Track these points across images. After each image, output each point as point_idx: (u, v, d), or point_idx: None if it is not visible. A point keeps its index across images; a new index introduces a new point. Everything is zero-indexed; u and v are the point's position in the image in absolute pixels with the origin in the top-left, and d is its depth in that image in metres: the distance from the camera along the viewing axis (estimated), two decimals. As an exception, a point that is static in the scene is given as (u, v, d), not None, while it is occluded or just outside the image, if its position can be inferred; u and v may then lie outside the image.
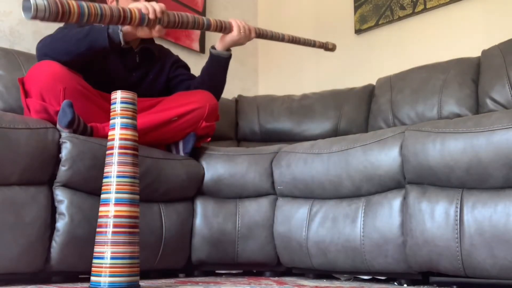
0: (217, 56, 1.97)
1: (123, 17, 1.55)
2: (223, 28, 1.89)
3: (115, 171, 1.28)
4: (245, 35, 1.93)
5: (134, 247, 1.28)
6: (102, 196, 1.29)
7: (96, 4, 1.49)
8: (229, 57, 1.99)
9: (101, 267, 1.23)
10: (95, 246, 1.27)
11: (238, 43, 1.95)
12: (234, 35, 1.91)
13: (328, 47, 2.34)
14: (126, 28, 1.64)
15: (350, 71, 2.84)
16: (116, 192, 1.27)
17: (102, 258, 1.24)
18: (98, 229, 1.27)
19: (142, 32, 1.65)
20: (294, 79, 3.12)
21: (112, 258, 1.23)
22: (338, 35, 2.92)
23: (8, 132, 1.35)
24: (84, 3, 1.45)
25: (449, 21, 2.48)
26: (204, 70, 2.01)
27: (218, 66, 1.99)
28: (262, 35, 2.03)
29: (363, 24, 2.80)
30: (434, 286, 1.47)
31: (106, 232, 1.24)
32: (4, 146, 1.34)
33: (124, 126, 1.33)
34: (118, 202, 1.26)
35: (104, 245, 1.24)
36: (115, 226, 1.25)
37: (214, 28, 1.86)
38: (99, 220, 1.27)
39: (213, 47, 1.99)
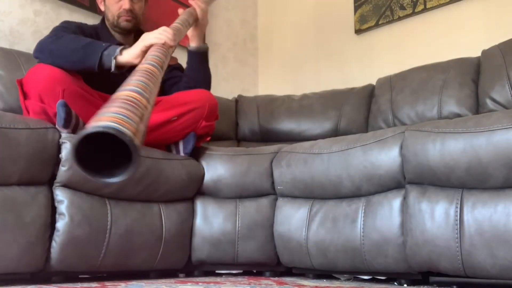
0: (198, 53, 1.97)
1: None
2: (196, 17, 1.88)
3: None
4: (203, 12, 1.91)
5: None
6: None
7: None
8: (208, 49, 2.00)
9: None
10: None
11: (205, 24, 1.95)
12: (200, 23, 1.91)
13: None
14: (125, 57, 1.58)
15: (350, 71, 2.84)
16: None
17: None
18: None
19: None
20: (294, 79, 3.12)
21: None
22: (338, 35, 2.93)
23: (8, 132, 1.35)
24: None
25: (449, 21, 2.48)
26: (189, 69, 2.00)
27: (202, 61, 2.00)
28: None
29: (363, 24, 2.80)
30: (434, 286, 1.47)
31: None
32: (4, 146, 1.34)
33: None
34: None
35: None
36: None
37: (194, 20, 1.85)
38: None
39: (190, 46, 1.98)
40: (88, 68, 1.61)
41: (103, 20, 1.97)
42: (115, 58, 1.57)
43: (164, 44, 1.52)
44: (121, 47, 1.61)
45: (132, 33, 1.97)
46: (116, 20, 1.90)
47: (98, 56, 1.58)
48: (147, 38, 1.57)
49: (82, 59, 1.60)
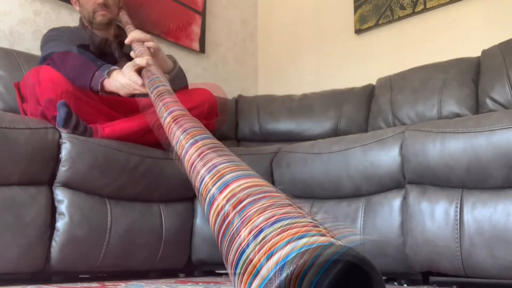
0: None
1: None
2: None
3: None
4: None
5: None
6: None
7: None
8: (171, 70, 1.84)
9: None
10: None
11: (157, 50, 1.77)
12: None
13: None
14: (112, 87, 1.54)
15: (350, 71, 2.84)
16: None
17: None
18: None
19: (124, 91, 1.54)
20: (294, 79, 3.12)
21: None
22: (338, 35, 2.93)
23: (8, 132, 1.35)
24: None
25: (449, 21, 2.48)
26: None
27: (179, 82, 1.88)
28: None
29: (363, 24, 2.80)
30: (434, 286, 1.47)
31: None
32: (4, 146, 1.34)
33: None
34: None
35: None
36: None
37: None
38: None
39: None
40: (82, 87, 1.60)
41: (81, 21, 1.99)
42: (101, 82, 1.55)
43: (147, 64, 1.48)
44: (110, 69, 1.56)
45: (112, 27, 1.98)
46: (92, 16, 1.91)
47: (89, 78, 1.57)
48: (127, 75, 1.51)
49: (77, 77, 1.59)
